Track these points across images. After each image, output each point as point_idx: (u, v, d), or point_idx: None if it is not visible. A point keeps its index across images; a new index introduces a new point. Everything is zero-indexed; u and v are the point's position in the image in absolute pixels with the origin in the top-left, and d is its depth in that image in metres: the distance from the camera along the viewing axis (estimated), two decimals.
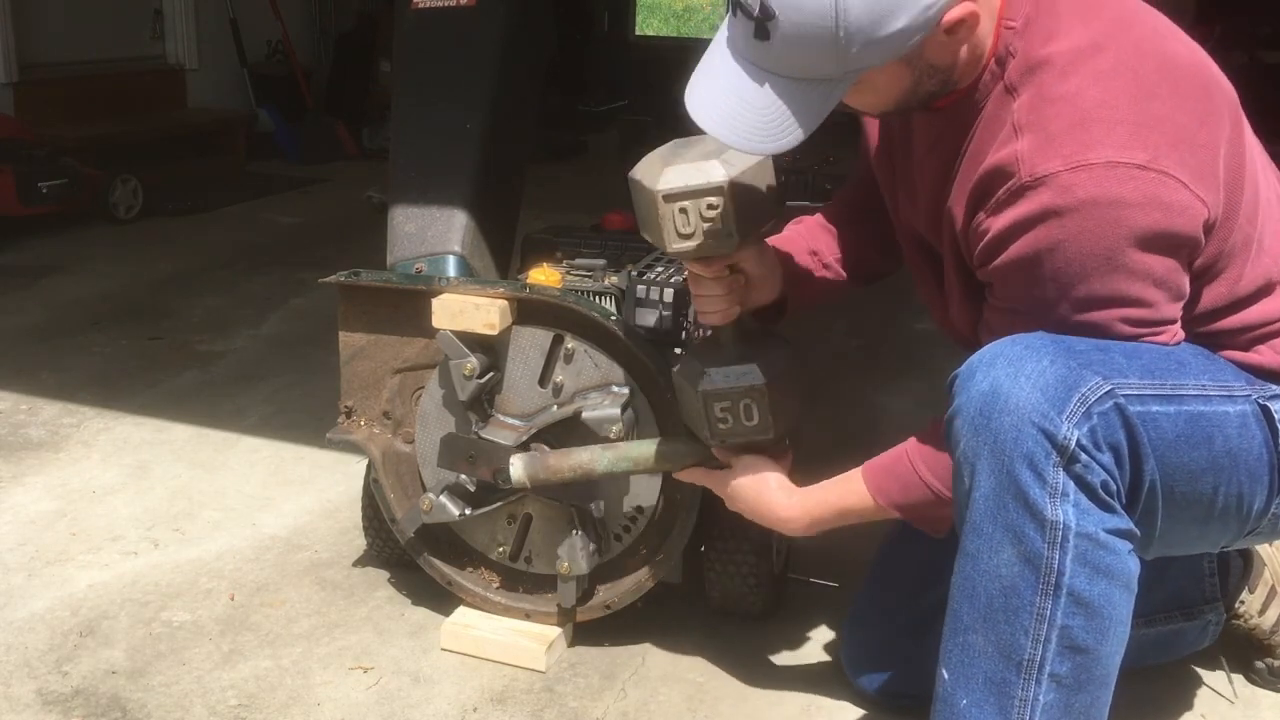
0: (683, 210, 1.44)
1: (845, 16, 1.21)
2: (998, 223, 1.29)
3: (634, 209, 1.52)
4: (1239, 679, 1.79)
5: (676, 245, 1.48)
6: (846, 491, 1.52)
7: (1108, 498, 1.24)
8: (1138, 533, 1.28)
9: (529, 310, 1.74)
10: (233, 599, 1.99)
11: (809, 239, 1.72)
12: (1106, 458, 1.24)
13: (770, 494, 1.57)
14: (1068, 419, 1.22)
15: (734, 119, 1.30)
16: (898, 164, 1.56)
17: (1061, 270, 1.26)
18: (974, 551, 1.29)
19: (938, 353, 3.24)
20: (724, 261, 1.54)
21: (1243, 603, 1.74)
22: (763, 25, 1.24)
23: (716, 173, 1.43)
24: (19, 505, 2.32)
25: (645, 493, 1.75)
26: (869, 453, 1.54)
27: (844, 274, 1.73)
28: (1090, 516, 1.23)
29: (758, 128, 1.30)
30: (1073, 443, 1.22)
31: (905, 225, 1.58)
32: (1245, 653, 1.79)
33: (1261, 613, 1.75)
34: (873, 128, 1.62)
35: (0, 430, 2.68)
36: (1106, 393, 1.23)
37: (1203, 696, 1.77)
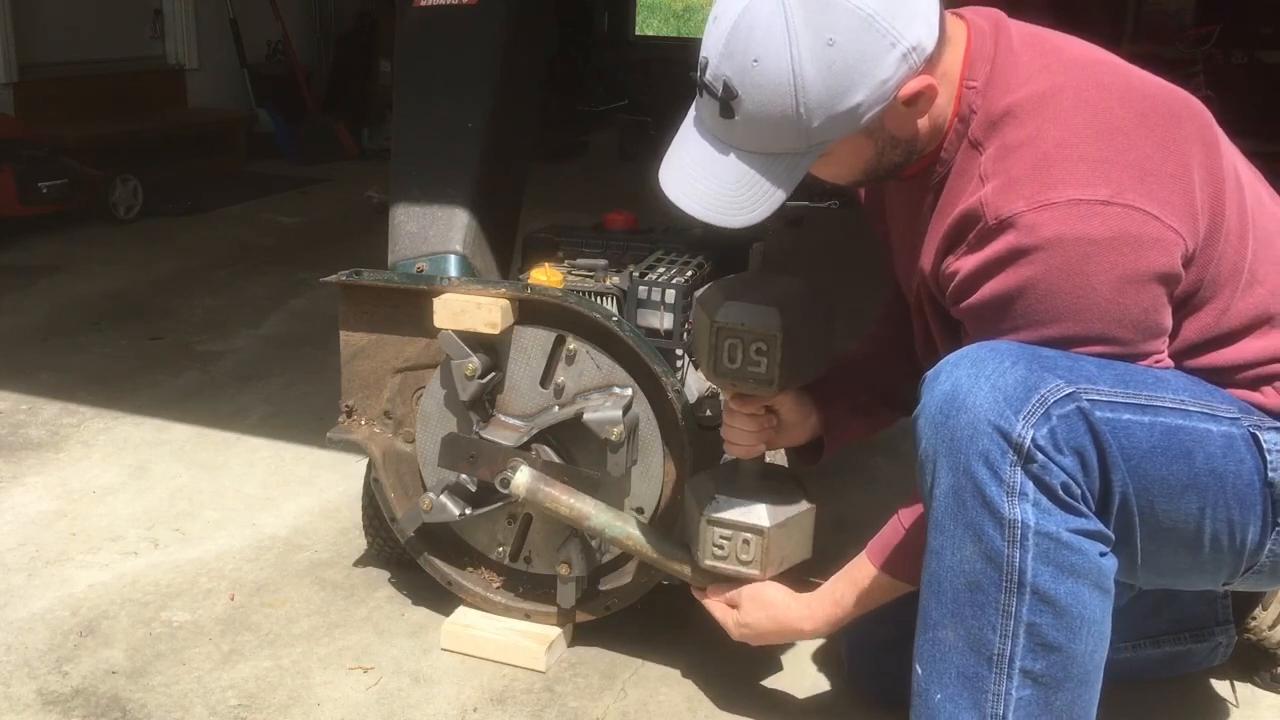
0: (732, 345, 1.49)
1: (804, 93, 1.25)
2: (966, 264, 1.31)
3: (693, 322, 1.57)
4: (1241, 683, 1.79)
5: (716, 376, 1.52)
6: (859, 581, 1.54)
7: (1070, 499, 1.24)
8: (1111, 535, 1.27)
9: (531, 310, 1.74)
10: (233, 599, 1.99)
11: (847, 381, 1.72)
12: (1068, 460, 1.23)
13: (783, 612, 1.59)
14: (1024, 419, 1.22)
15: (706, 195, 1.35)
16: (884, 232, 1.59)
17: (1032, 310, 1.26)
18: (938, 548, 1.30)
19: None
20: (761, 402, 1.58)
21: (1254, 618, 1.74)
22: (727, 104, 1.30)
23: (773, 320, 1.47)
24: (19, 505, 2.32)
25: (645, 494, 1.75)
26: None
27: (884, 411, 1.74)
28: (1051, 516, 1.23)
29: (729, 201, 1.35)
30: (1028, 441, 1.22)
31: (904, 291, 1.59)
32: (1251, 661, 1.79)
33: (1272, 627, 1.74)
34: (865, 201, 1.65)
35: (0, 430, 2.68)
36: (1068, 395, 1.23)
37: (1203, 697, 1.77)
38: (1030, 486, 1.23)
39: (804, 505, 1.63)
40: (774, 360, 1.48)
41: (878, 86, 1.26)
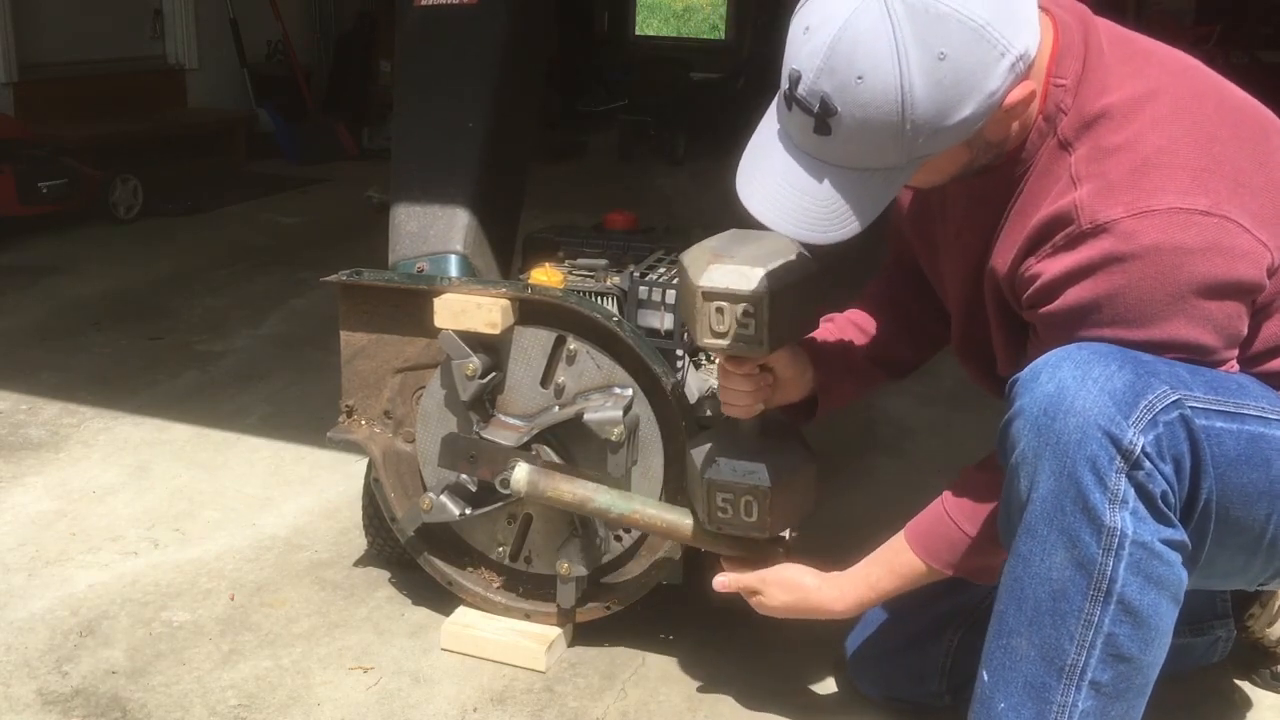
0: (719, 310, 1.46)
1: (913, 110, 1.20)
2: (1053, 267, 1.28)
3: (677, 288, 1.53)
4: (1240, 681, 1.80)
5: (708, 340, 1.49)
6: (895, 565, 1.52)
7: (1165, 509, 1.23)
8: (1190, 546, 1.26)
9: (531, 310, 1.74)
10: (233, 599, 1.99)
11: (841, 339, 1.71)
12: (1168, 468, 1.22)
13: (813, 594, 1.57)
14: (1134, 425, 1.20)
15: (794, 211, 1.29)
16: (936, 230, 1.55)
17: (1121, 316, 1.25)
18: (1026, 554, 1.27)
19: (938, 353, 3.24)
20: (754, 362, 1.55)
21: (1253, 615, 1.74)
22: (824, 121, 1.23)
23: (759, 282, 1.44)
24: (19, 505, 2.32)
25: (646, 494, 1.74)
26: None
27: (876, 373, 1.73)
28: (1147, 525, 1.22)
29: (819, 218, 1.29)
30: (1138, 449, 1.20)
31: (950, 290, 1.56)
32: (1250, 659, 1.79)
33: (1270, 625, 1.74)
34: (905, 199, 1.61)
35: (0, 430, 2.68)
36: (1173, 402, 1.21)
37: (1202, 697, 1.77)
38: (1132, 494, 1.21)
39: (805, 461, 1.61)
40: (763, 321, 1.45)
41: (986, 98, 1.21)
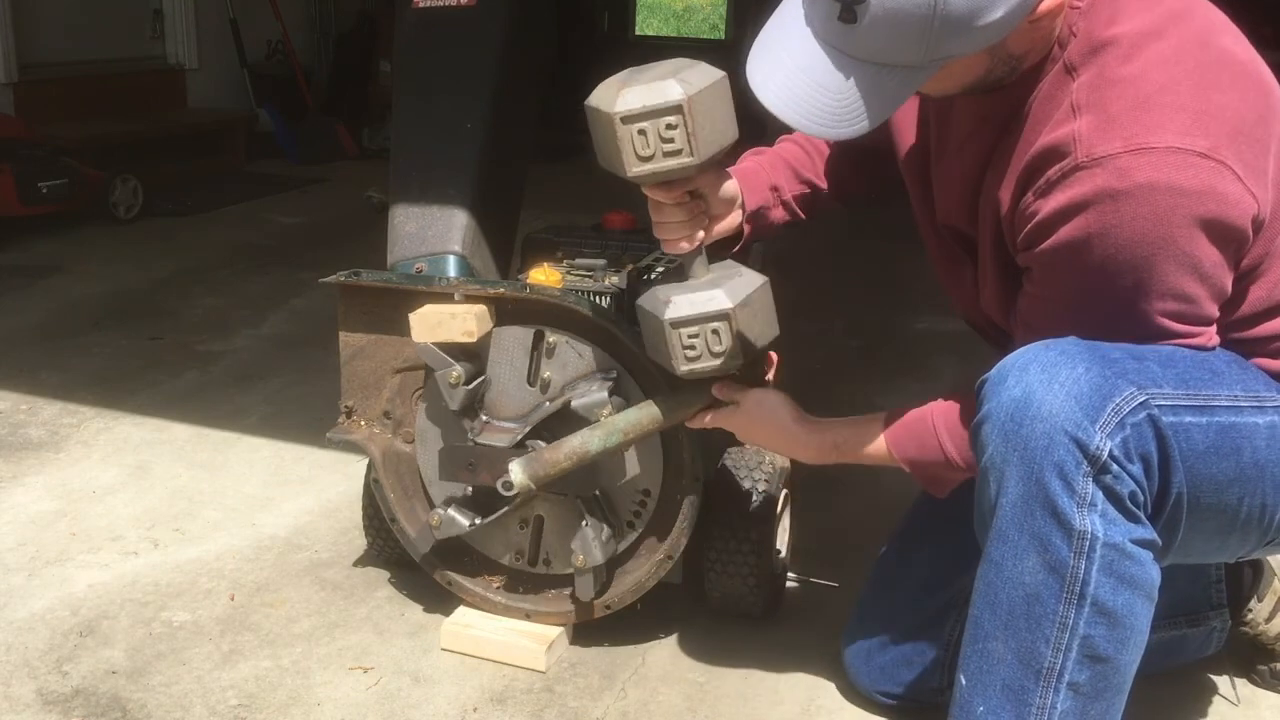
0: (641, 132, 1.40)
1: (945, 6, 1.17)
2: (1047, 204, 1.26)
3: (592, 138, 1.46)
4: (1240, 680, 1.79)
5: (636, 169, 1.43)
6: (863, 435, 1.51)
7: (1134, 508, 1.23)
8: (1160, 543, 1.27)
9: (506, 310, 1.73)
10: (233, 599, 1.99)
11: (769, 172, 1.70)
12: (1137, 468, 1.22)
13: (786, 423, 1.57)
14: (1101, 429, 1.21)
15: (804, 102, 1.27)
16: (933, 148, 1.52)
17: (1111, 257, 1.23)
18: (998, 559, 1.28)
19: (937, 353, 3.24)
20: (685, 186, 1.50)
21: (1250, 610, 1.74)
22: (851, 8, 1.20)
23: (674, 91, 1.39)
24: (19, 505, 2.32)
25: (650, 474, 1.74)
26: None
27: (800, 212, 1.72)
28: (1117, 527, 1.22)
29: (829, 112, 1.26)
30: (1105, 453, 1.20)
31: (939, 210, 1.54)
32: (1249, 656, 1.79)
33: (1268, 620, 1.74)
34: (904, 113, 1.56)
35: (0, 430, 2.68)
36: (1140, 403, 1.21)
37: (1203, 696, 1.77)
38: (1100, 497, 1.22)
39: (759, 279, 1.55)
40: (687, 130, 1.40)
41: (1020, 3, 1.20)
